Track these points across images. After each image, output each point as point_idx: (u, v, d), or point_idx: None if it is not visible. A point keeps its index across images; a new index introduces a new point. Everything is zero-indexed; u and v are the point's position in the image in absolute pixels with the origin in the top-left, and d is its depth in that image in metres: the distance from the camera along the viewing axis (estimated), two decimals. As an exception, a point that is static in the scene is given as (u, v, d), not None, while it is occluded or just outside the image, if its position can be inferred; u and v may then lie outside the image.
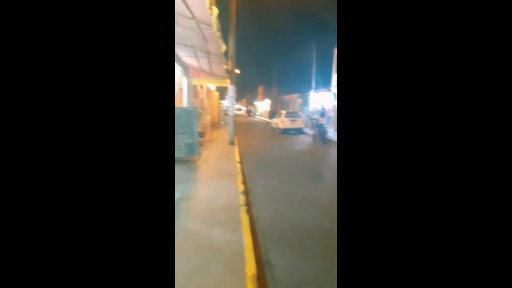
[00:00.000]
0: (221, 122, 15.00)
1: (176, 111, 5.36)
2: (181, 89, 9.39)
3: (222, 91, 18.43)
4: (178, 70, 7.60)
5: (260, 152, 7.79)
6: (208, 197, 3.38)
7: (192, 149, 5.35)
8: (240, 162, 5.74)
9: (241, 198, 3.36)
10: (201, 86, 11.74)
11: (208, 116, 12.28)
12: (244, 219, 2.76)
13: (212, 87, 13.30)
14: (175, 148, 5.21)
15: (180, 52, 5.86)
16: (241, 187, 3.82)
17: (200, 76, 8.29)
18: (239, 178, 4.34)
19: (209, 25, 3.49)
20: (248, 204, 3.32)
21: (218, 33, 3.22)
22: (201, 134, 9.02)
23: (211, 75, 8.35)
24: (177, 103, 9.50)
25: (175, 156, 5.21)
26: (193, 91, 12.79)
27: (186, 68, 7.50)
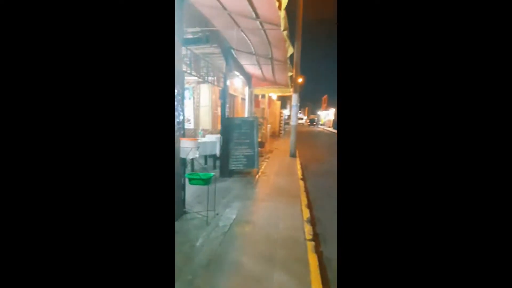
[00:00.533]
0: (281, 132, 14.60)
1: (236, 121, 5.14)
2: (243, 99, 9.39)
3: (284, 100, 18.09)
4: (240, 80, 7.54)
5: (326, 167, 6.92)
6: (267, 223, 2.87)
7: (252, 162, 4.99)
8: (303, 179, 5.09)
9: (307, 229, 2.72)
10: (263, 96, 11.64)
11: (269, 126, 12.05)
12: (313, 261, 2.12)
13: (274, 96, 13.09)
14: (235, 159, 4.96)
15: (243, 60, 5.70)
16: (306, 213, 3.18)
17: (262, 85, 8.05)
18: (303, 200, 3.70)
19: (275, 24, 3.07)
20: (316, 238, 2.66)
21: (285, 32, 2.75)
22: (261, 144, 8.73)
23: (274, 83, 8.02)
24: (239, 113, 9.56)
25: (234, 168, 4.94)
26: (255, 101, 12.85)
27: (248, 77, 7.37)
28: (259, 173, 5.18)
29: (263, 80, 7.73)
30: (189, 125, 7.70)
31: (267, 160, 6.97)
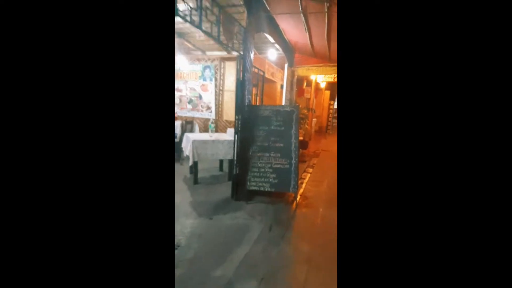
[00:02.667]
0: (329, 128, 12.06)
1: (263, 111, 3.14)
2: (282, 86, 7.28)
3: (334, 89, 15.23)
4: (274, 52, 5.37)
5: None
6: None
7: (286, 180, 2.97)
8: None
9: None
10: (308, 84, 9.39)
11: (314, 120, 9.75)
12: None
13: (321, 84, 10.63)
14: (258, 174, 3.01)
15: (279, 8, 3.59)
16: None
17: (310, 63, 5.79)
18: None
19: None
20: None
21: None
22: (303, 144, 6.58)
23: (327, 60, 5.69)
24: (275, 101, 7.50)
25: (256, 189, 3.01)
26: (298, 89, 10.64)
27: (289, 49, 5.22)
28: (298, 197, 3.15)
29: (311, 55, 5.49)
30: (209, 115, 6.02)
31: (310, 169, 4.84)
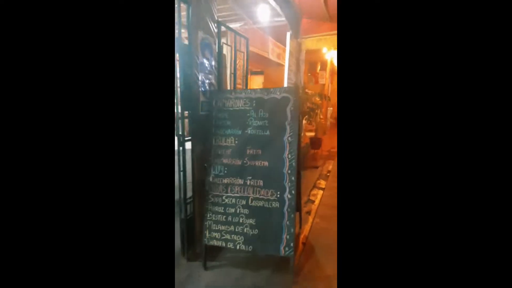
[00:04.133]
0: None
1: (230, 101, 1.76)
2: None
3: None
4: (267, 10, 3.83)
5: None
6: None
7: (273, 231, 1.61)
8: None
9: None
10: (322, 68, 7.77)
11: (330, 109, 8.21)
12: None
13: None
14: (225, 219, 1.68)
15: None
16: None
17: (323, 31, 4.17)
18: None
19: None
20: None
21: None
22: (315, 143, 5.14)
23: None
24: (277, 83, 5.97)
25: (212, 243, 1.68)
26: (312, 74, 9.05)
27: (292, 12, 3.72)
28: (300, 247, 1.80)
29: (325, 19, 3.90)
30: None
31: (323, 182, 3.43)
